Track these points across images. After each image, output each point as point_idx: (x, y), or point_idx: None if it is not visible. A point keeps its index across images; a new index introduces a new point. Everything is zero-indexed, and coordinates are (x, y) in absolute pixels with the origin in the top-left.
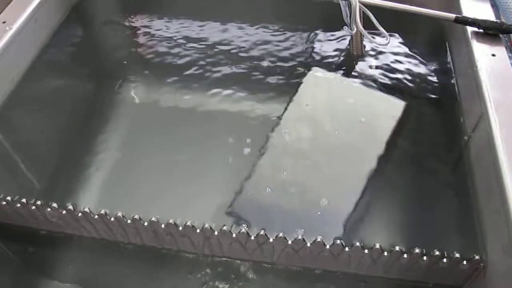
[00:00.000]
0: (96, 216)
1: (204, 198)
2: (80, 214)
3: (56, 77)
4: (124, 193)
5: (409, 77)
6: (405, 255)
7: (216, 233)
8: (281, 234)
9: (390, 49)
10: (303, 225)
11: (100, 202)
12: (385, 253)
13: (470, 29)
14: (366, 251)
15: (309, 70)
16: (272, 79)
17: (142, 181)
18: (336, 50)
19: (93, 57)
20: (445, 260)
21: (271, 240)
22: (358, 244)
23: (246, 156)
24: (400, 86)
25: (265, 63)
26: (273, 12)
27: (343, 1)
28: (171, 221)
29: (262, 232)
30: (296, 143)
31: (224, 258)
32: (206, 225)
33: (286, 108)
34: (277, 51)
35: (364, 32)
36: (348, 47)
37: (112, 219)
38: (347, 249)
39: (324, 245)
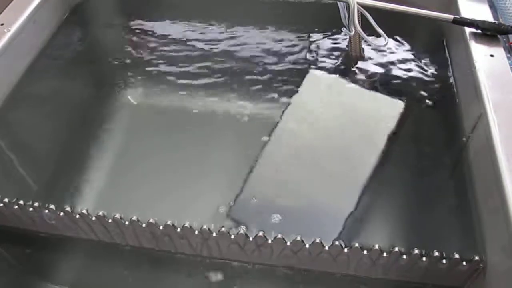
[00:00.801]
0: (94, 218)
1: (202, 201)
2: (77, 216)
3: (55, 79)
4: (122, 196)
5: (407, 78)
6: (404, 256)
7: (214, 234)
8: (279, 236)
9: (389, 50)
10: (303, 227)
11: (98, 205)
12: (384, 254)
13: (468, 30)
14: (365, 252)
15: (308, 71)
16: (271, 81)
17: (140, 185)
18: (334, 51)
19: (92, 59)
20: (444, 261)
21: (269, 241)
22: (357, 245)
23: (245, 158)
24: (398, 87)
25: (264, 65)
26: (272, 14)
27: (341, 3)
28: (169, 222)
29: (260, 234)
30: (295, 144)
31: (223, 260)
32: (204, 227)
33: (285, 110)
34: (276, 53)
35: (362, 33)
36: (347, 48)
37: (110, 220)
38: (346, 250)
39: (323, 246)
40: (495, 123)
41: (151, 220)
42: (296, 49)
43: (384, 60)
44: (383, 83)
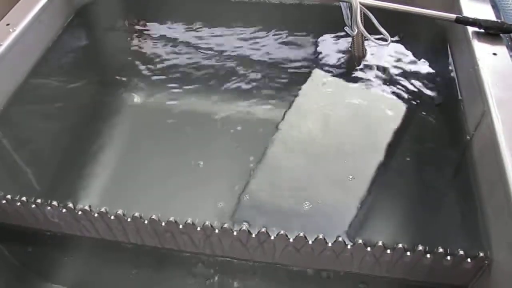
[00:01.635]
0: (96, 215)
1: (206, 201)
2: (80, 213)
3: (59, 80)
4: (125, 196)
5: (410, 78)
6: (408, 253)
7: (217, 231)
8: (282, 232)
9: (391, 50)
10: (306, 226)
11: (101, 204)
12: (388, 251)
13: (471, 29)
14: (368, 249)
15: (310, 72)
16: (274, 82)
17: (143, 186)
18: (337, 52)
19: (96, 60)
20: (449, 257)
21: (272, 238)
22: (360, 241)
23: (249, 159)
24: (401, 87)
25: (267, 66)
26: (274, 15)
27: (344, 3)
28: (171, 219)
29: (263, 230)
30: (298, 144)
31: (225, 258)
32: (207, 223)
33: (287, 110)
34: (279, 54)
35: (365, 32)
36: (350, 48)
37: (112, 217)
38: (349, 247)
39: (326, 243)
40: (499, 120)
41: (153, 217)
42: (299, 50)
43: (386, 60)
44: (386, 83)
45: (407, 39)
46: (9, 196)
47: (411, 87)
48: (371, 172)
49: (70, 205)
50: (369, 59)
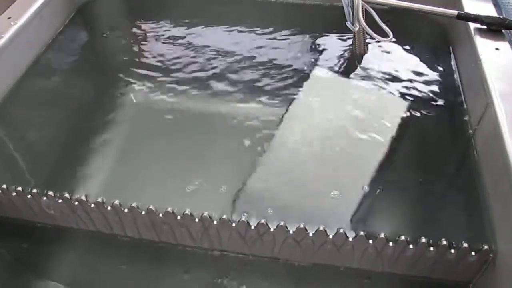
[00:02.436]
0: (93, 205)
1: (204, 197)
2: (76, 203)
3: (58, 76)
4: (124, 191)
5: (411, 76)
6: (411, 246)
7: (215, 222)
8: (282, 223)
9: (392, 48)
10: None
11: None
12: (390, 244)
13: (472, 26)
14: (370, 241)
15: (311, 70)
16: (274, 80)
17: (142, 183)
18: (338, 50)
19: (96, 58)
20: (452, 251)
21: (271, 229)
22: (362, 233)
23: (248, 157)
24: (402, 85)
25: (267, 65)
26: (274, 14)
27: (346, 0)
28: (169, 209)
29: (262, 221)
30: (298, 142)
31: (224, 252)
32: (205, 214)
33: (288, 108)
34: (280, 52)
35: (367, 28)
36: (351, 46)
37: (109, 208)
38: (350, 239)
39: (327, 235)
40: (503, 112)
41: (150, 207)
42: (300, 48)
43: (388, 57)
44: (388, 81)
45: (408, 37)
46: (4, 186)
47: (412, 85)
48: (372, 169)
49: (66, 195)
50: (371, 57)
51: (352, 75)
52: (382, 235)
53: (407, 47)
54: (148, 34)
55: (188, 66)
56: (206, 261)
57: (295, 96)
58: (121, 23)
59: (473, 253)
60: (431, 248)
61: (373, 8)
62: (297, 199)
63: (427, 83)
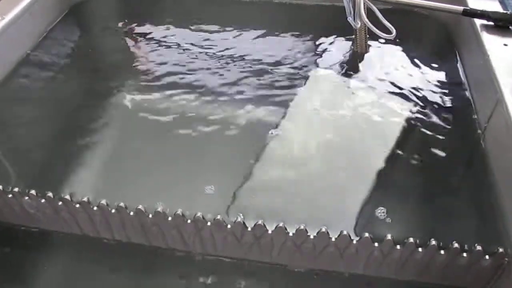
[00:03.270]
0: (78, 205)
1: (197, 200)
2: (60, 203)
3: (47, 73)
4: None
5: (414, 75)
6: (420, 249)
7: (209, 224)
8: (281, 224)
9: (395, 48)
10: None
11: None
12: (398, 247)
13: (478, 22)
14: (376, 244)
15: (311, 72)
16: (274, 80)
17: (133, 185)
18: (339, 51)
19: (88, 58)
20: (465, 254)
21: (269, 231)
22: (367, 235)
23: (248, 156)
24: (405, 84)
25: (266, 65)
26: (274, 15)
27: None
28: (159, 209)
29: (260, 222)
30: (300, 143)
31: (218, 257)
32: (198, 214)
33: (288, 108)
34: (281, 53)
35: (369, 24)
36: (352, 47)
37: (95, 208)
38: (354, 242)
39: (329, 237)
40: None
41: (140, 207)
42: (301, 49)
43: (390, 57)
44: (390, 80)
45: (411, 37)
46: None
47: (415, 85)
48: (376, 170)
49: (50, 194)
50: (372, 56)
51: (353, 75)
52: (389, 237)
53: (410, 47)
54: (140, 35)
55: (180, 67)
56: (198, 268)
57: (295, 96)
58: (114, 24)
59: (487, 256)
60: (442, 252)
61: (374, 6)
62: (298, 203)
63: (431, 83)
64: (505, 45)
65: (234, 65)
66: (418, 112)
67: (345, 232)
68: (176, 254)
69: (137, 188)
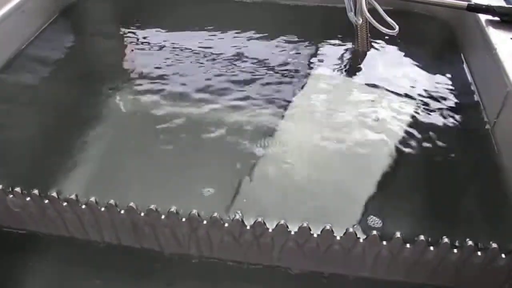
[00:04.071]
0: (65, 204)
1: (197, 202)
2: (46, 201)
3: (37, 73)
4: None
5: (417, 75)
6: (431, 248)
7: (205, 222)
8: (282, 222)
9: (397, 47)
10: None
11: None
12: (408, 246)
13: (483, 18)
14: (384, 243)
15: (311, 73)
16: (274, 81)
17: (125, 186)
18: (339, 52)
19: (79, 60)
20: (479, 253)
21: (270, 230)
22: (374, 232)
23: (246, 157)
24: (408, 84)
25: (266, 65)
26: (274, 16)
27: None
28: (152, 207)
29: (259, 220)
30: (299, 144)
31: (214, 260)
32: (194, 211)
33: (289, 108)
34: (281, 53)
35: (371, 19)
36: (353, 45)
37: (83, 206)
38: (361, 240)
39: (334, 236)
40: None
41: (131, 204)
42: (302, 49)
43: (391, 56)
44: (391, 80)
45: (414, 36)
46: None
47: (418, 84)
48: (380, 171)
49: (35, 192)
50: (374, 55)
51: (354, 75)
52: (398, 234)
53: (413, 46)
54: (132, 38)
55: (174, 69)
56: (193, 272)
57: (296, 96)
58: (105, 26)
59: (503, 255)
60: (455, 250)
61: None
62: (300, 203)
63: (435, 81)
64: None
65: (234, 66)
66: (423, 110)
67: (351, 230)
68: (170, 257)
69: (129, 189)
